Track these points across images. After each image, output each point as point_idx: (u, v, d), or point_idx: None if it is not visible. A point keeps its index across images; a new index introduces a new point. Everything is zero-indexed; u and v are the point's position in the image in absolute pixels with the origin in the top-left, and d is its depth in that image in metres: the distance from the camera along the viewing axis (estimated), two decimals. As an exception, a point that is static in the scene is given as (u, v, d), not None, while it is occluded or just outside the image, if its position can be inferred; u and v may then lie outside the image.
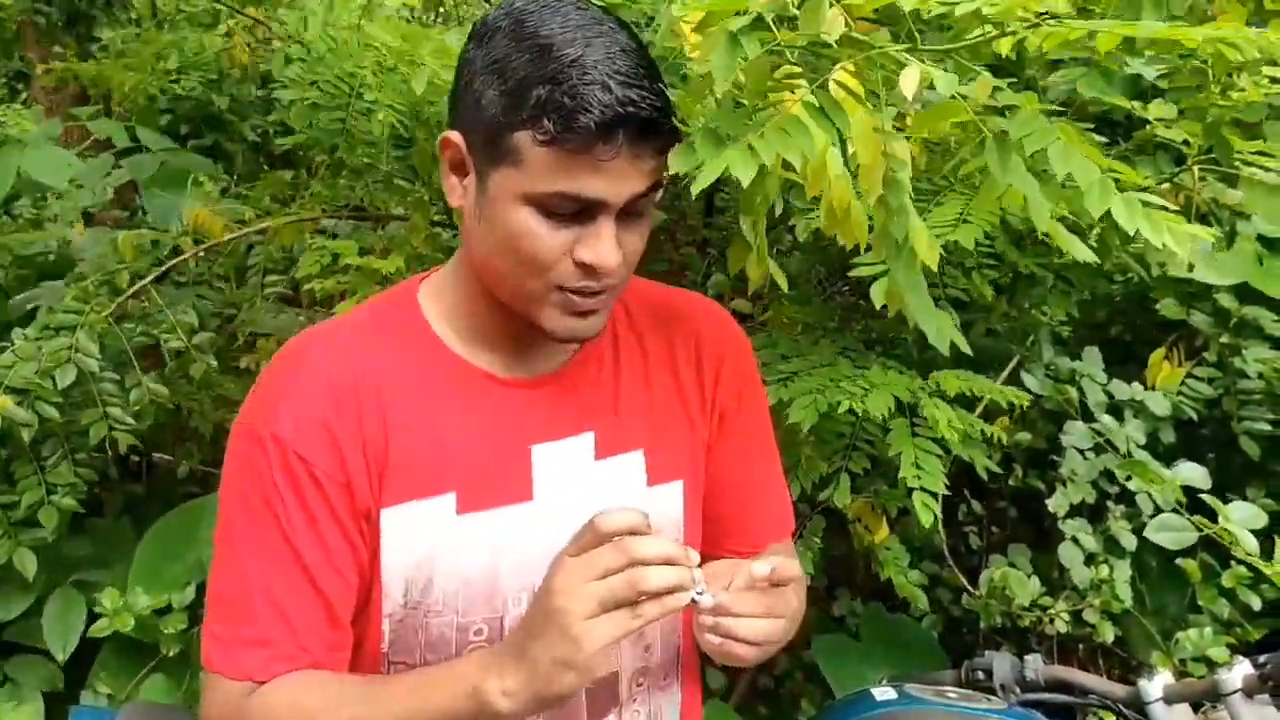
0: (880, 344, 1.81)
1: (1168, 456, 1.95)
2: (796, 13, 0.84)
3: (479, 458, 1.00)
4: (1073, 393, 1.95)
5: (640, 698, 1.11)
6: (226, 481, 0.97)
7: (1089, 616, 1.86)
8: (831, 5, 0.84)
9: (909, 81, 0.84)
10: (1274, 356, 2.02)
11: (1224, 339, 2.04)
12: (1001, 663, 1.35)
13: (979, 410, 1.74)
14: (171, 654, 2.01)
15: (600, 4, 0.96)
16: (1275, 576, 1.74)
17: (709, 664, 1.10)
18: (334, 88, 1.77)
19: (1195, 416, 1.98)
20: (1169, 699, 1.24)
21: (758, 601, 0.94)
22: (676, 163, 0.88)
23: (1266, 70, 1.24)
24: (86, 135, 3.30)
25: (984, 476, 1.74)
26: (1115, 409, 1.97)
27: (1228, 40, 0.90)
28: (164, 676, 2.03)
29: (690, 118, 0.93)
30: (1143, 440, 1.92)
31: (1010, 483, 2.09)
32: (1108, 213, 0.87)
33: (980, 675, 1.36)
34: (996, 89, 0.89)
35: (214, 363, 2.13)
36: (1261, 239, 1.98)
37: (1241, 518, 1.80)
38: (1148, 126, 1.67)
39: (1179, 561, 1.89)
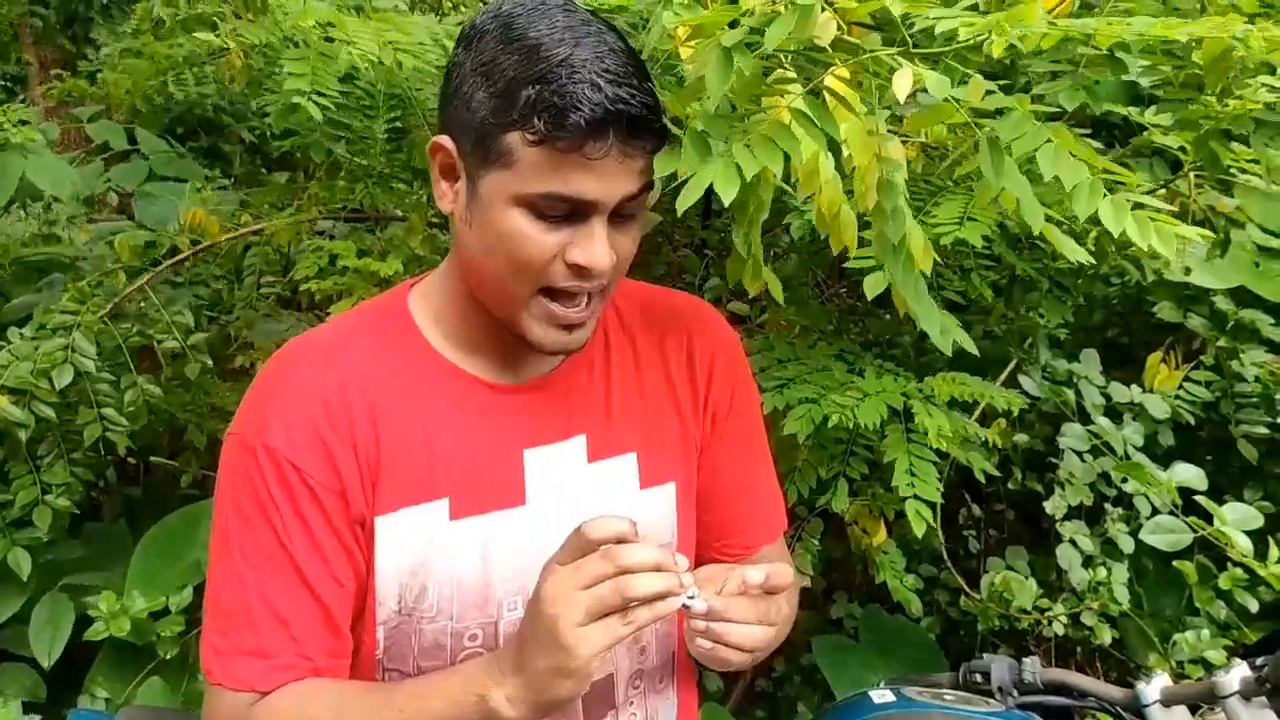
0: (877, 345, 1.81)
1: (1166, 459, 1.95)
2: (783, 10, 0.84)
3: (471, 463, 0.99)
4: (1070, 395, 1.95)
5: (636, 701, 1.10)
6: (221, 492, 0.97)
7: (1087, 619, 1.86)
8: (824, 10, 0.85)
9: (902, 84, 0.84)
10: (1271, 360, 2.02)
11: (1221, 342, 2.04)
12: (999, 665, 1.35)
13: (976, 414, 1.74)
14: (169, 657, 2.01)
15: (589, 7, 0.96)
16: (1270, 578, 1.74)
17: (705, 668, 1.10)
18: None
19: (1193, 420, 1.98)
20: (1166, 701, 1.24)
21: (750, 607, 0.94)
22: (663, 165, 0.88)
23: (1264, 79, 1.24)
24: (84, 136, 3.30)
25: (982, 480, 1.75)
26: (1113, 412, 1.97)
27: (1214, 37, 0.90)
28: (161, 680, 2.02)
29: (682, 119, 0.93)
30: (1140, 442, 1.92)
31: (1008, 485, 2.09)
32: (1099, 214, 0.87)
33: (978, 678, 1.36)
34: (988, 92, 0.89)
35: (210, 363, 2.12)
36: (1258, 243, 1.98)
37: (1236, 519, 1.80)
38: (1144, 133, 1.67)
39: (1176, 564, 1.89)
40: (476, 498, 1.00)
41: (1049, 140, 0.88)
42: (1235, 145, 1.40)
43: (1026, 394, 1.87)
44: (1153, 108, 1.63)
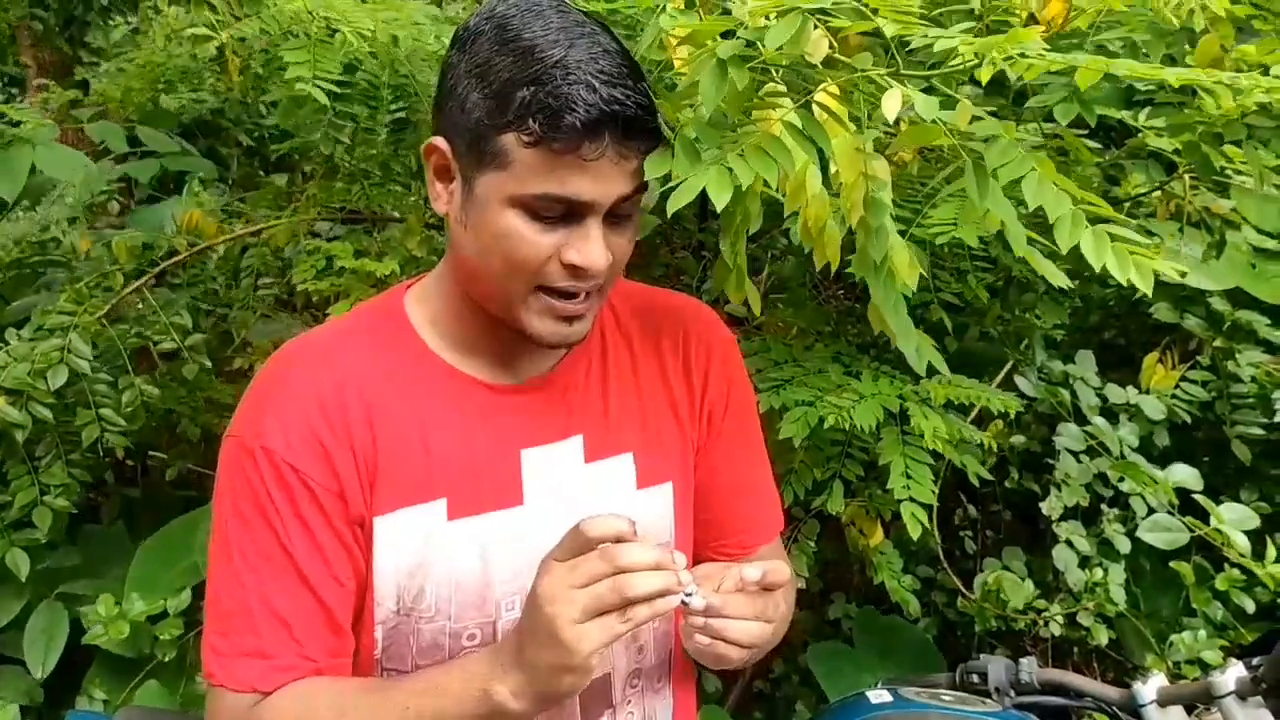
0: (874, 347, 1.81)
1: (1162, 460, 1.95)
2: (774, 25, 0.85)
3: (469, 463, 1.00)
4: (1066, 396, 1.95)
5: (634, 700, 1.11)
6: (220, 494, 0.97)
7: (1083, 619, 1.86)
8: (816, 27, 0.85)
9: (891, 104, 0.85)
10: (1267, 360, 2.03)
11: (1217, 343, 2.04)
12: (996, 666, 1.36)
13: (973, 415, 1.74)
14: (167, 660, 2.01)
15: (582, 10, 0.97)
16: (1267, 577, 1.74)
17: (703, 668, 1.10)
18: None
19: (1189, 420, 1.98)
20: (1162, 701, 1.25)
21: (748, 604, 0.94)
22: (654, 167, 0.88)
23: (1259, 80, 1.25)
24: (82, 138, 3.30)
25: (976, 483, 1.75)
26: (1109, 413, 1.98)
27: (1198, 83, 0.92)
28: (159, 682, 2.02)
29: (675, 124, 0.93)
30: (1136, 443, 1.93)
31: (1005, 486, 2.10)
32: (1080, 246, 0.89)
33: (975, 678, 1.36)
34: (975, 118, 0.91)
35: (207, 364, 2.13)
36: (1253, 245, 1.99)
37: (1233, 518, 1.81)
38: (1140, 135, 1.67)
39: (1173, 564, 1.89)
40: (474, 498, 1.00)
41: (1033, 169, 0.89)
42: (1230, 147, 1.40)
43: (1023, 395, 1.87)
44: (1147, 110, 1.63)
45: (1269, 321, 2.04)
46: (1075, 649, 2.13)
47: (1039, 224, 1.10)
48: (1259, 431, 2.01)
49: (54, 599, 2.13)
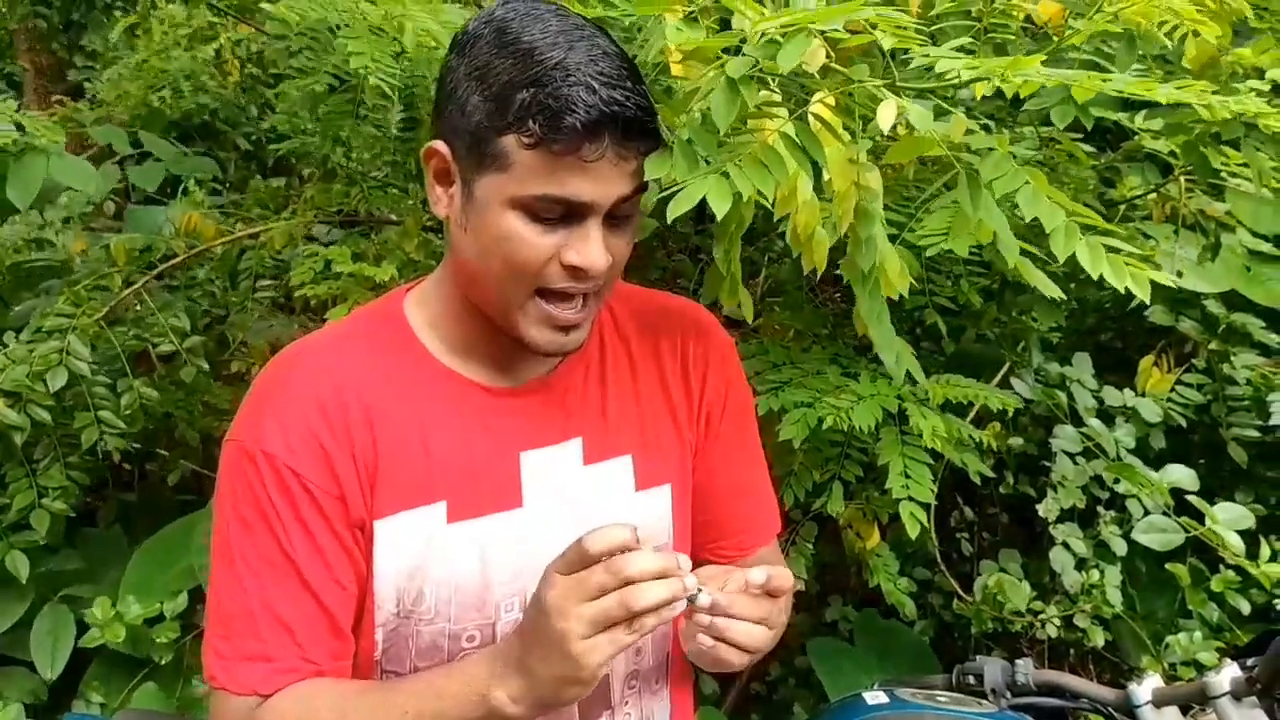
0: (871, 349, 1.82)
1: (1158, 462, 1.96)
2: (780, 40, 0.86)
3: (468, 466, 1.00)
4: (1063, 398, 1.96)
5: (632, 701, 1.11)
6: (220, 498, 0.97)
7: (1080, 621, 1.87)
8: (813, 38, 0.86)
9: (886, 115, 0.86)
10: (1262, 363, 2.04)
11: (1213, 345, 2.05)
12: (992, 667, 1.36)
13: (970, 416, 1.75)
14: (164, 662, 2.01)
15: (580, 13, 0.97)
16: (1262, 577, 1.75)
17: (700, 670, 1.10)
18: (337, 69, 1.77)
19: (1184, 423, 1.99)
20: (1158, 702, 1.25)
21: (752, 606, 0.95)
22: (653, 169, 0.89)
23: (1254, 84, 1.25)
24: (82, 142, 3.30)
25: (976, 481, 1.75)
26: (1105, 415, 1.98)
27: (1188, 102, 0.93)
28: (156, 685, 2.02)
29: (672, 127, 0.94)
30: (1132, 445, 1.93)
31: (1001, 489, 2.10)
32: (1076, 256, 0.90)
33: (971, 679, 1.37)
34: (969, 131, 0.91)
35: (205, 366, 2.13)
36: (1248, 247, 1.99)
37: (1228, 519, 1.81)
38: (1135, 137, 1.68)
39: (1169, 566, 1.89)
40: (473, 500, 1.00)
41: (1027, 182, 0.90)
42: (1226, 149, 1.41)
43: (1019, 397, 1.87)
44: (1143, 112, 1.64)
45: (1264, 324, 2.05)
46: (1071, 650, 2.13)
47: (1033, 230, 1.11)
48: (1254, 434, 2.01)
49: (58, 601, 2.13)
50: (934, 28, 1.12)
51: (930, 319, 1.71)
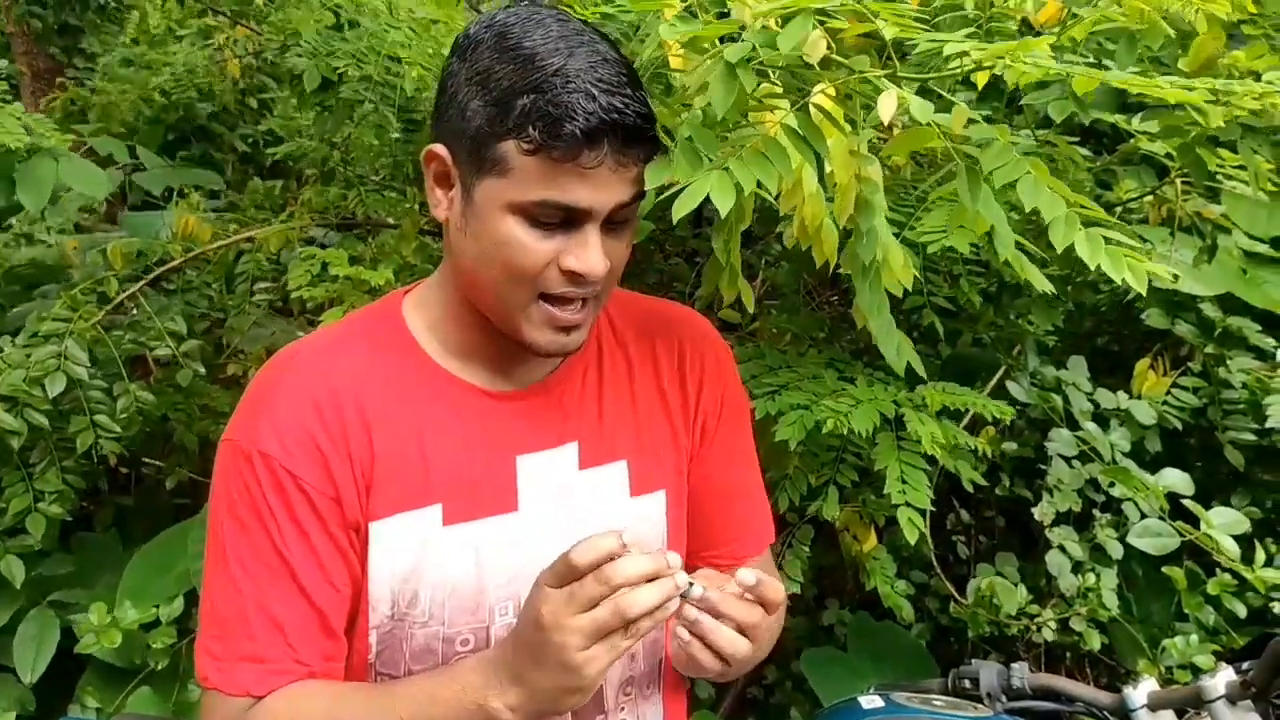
0: (868, 353, 1.82)
1: (1154, 466, 1.96)
2: (779, 31, 0.86)
3: (464, 469, 1.00)
4: (1058, 402, 1.96)
5: (626, 706, 1.11)
6: (216, 498, 0.97)
7: (1076, 624, 1.87)
8: (814, 28, 0.86)
9: (886, 106, 0.86)
10: (1258, 366, 2.04)
11: (1208, 349, 2.05)
12: (988, 671, 1.36)
13: (965, 421, 1.75)
14: (159, 667, 2.00)
15: (581, 18, 0.97)
16: (1257, 582, 1.75)
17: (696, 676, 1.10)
18: (368, 51, 1.79)
19: (1180, 426, 1.99)
20: (1153, 706, 1.25)
21: (742, 608, 0.95)
22: (653, 177, 0.89)
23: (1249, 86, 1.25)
24: (80, 148, 3.30)
25: (970, 489, 1.75)
26: (1101, 418, 1.98)
27: (1191, 101, 0.93)
28: (151, 690, 2.01)
29: (672, 129, 0.94)
30: (1127, 448, 1.94)
31: (997, 492, 2.10)
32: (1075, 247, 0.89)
33: (967, 683, 1.37)
34: (971, 121, 0.91)
35: (202, 370, 2.12)
36: (1244, 250, 1.99)
37: (1223, 523, 1.82)
38: (1132, 140, 1.68)
39: (1165, 570, 1.89)
40: (469, 504, 1.00)
41: (1028, 172, 0.90)
42: (1222, 151, 1.41)
43: (1015, 400, 1.88)
44: (1140, 114, 1.64)
45: (1260, 328, 2.05)
46: (1067, 654, 2.13)
47: (1031, 229, 1.11)
48: (1251, 437, 2.01)
49: (45, 605, 2.12)
50: (932, 23, 1.12)
51: (928, 320, 1.71)
